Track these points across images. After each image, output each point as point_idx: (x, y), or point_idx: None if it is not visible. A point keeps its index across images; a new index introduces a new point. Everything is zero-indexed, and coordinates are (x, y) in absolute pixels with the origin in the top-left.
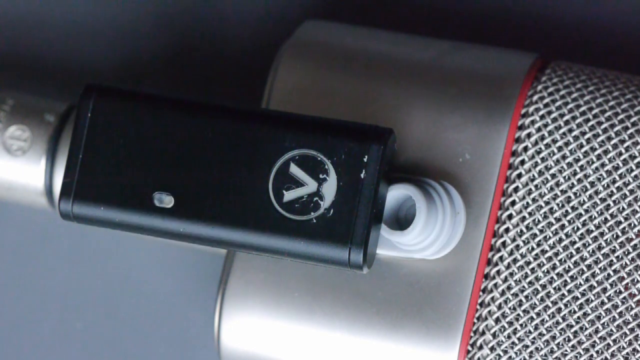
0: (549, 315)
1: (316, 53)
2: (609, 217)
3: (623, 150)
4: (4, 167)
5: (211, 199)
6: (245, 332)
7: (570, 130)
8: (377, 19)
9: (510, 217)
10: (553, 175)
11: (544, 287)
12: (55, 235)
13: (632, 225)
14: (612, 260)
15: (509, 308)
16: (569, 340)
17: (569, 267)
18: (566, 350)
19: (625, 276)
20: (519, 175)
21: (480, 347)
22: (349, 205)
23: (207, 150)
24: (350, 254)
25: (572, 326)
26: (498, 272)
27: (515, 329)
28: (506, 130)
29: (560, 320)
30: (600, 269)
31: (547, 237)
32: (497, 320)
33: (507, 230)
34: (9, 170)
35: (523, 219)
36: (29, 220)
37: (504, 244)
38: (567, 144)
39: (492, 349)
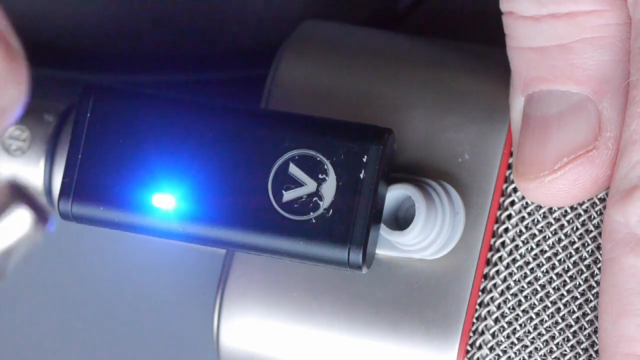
0: (548, 316)
1: (316, 53)
2: None
3: None
4: (3, 167)
5: (210, 199)
6: (244, 332)
7: None
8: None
9: (509, 217)
10: None
11: (543, 287)
12: (55, 235)
13: None
14: None
15: (508, 308)
16: (568, 340)
17: (568, 267)
18: (565, 350)
19: None
20: None
21: (480, 347)
22: (348, 206)
23: (206, 150)
24: (350, 254)
25: (571, 326)
26: (497, 272)
27: (515, 329)
28: (505, 130)
29: (560, 320)
30: (599, 269)
31: (546, 237)
32: (496, 320)
33: (506, 230)
34: (8, 171)
35: (522, 219)
36: None
37: (503, 244)
38: None
39: (491, 349)
